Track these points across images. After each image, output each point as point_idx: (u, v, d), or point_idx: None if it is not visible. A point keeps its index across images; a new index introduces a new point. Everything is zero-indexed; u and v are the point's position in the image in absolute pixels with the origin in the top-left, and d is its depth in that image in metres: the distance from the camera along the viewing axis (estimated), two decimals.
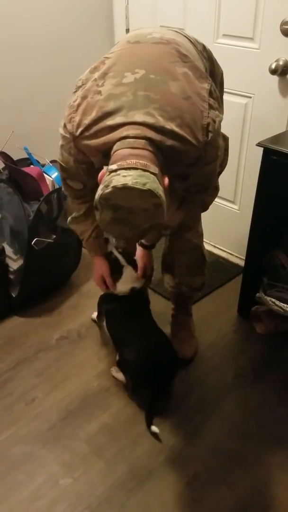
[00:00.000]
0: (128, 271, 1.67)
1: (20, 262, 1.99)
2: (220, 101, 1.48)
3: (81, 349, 1.88)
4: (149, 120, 1.07)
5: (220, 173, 1.67)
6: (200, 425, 1.58)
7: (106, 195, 1.02)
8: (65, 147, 1.22)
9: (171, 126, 1.08)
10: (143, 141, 1.06)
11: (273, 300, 1.81)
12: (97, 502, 1.36)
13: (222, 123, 1.51)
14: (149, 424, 1.53)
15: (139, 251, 1.71)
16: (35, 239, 1.89)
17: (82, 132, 1.14)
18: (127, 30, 2.41)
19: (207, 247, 2.38)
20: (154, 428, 1.52)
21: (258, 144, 1.62)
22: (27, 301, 2.08)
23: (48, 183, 2.07)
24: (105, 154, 1.13)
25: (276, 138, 1.68)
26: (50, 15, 2.22)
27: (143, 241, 1.66)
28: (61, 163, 1.31)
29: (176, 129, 1.08)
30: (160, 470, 1.44)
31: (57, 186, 2.03)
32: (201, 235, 1.74)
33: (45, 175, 2.08)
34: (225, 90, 1.53)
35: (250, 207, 1.79)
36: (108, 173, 1.04)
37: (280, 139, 1.70)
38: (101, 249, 1.63)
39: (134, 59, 1.16)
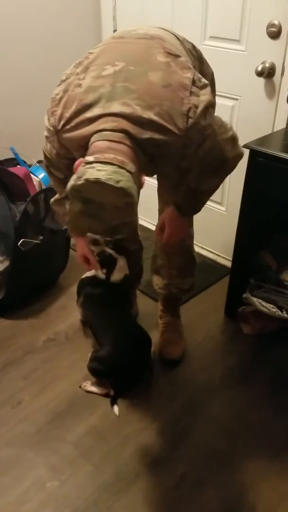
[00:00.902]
0: (121, 261, 1.73)
1: (6, 263, 1.97)
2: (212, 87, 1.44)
3: (69, 351, 1.87)
4: (126, 110, 1.06)
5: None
6: (188, 426, 1.59)
7: (77, 187, 1.00)
8: (49, 139, 1.22)
9: (149, 115, 1.06)
10: (120, 134, 1.05)
11: (260, 300, 1.82)
12: (85, 505, 1.36)
13: None
14: (113, 403, 1.62)
15: (170, 213, 1.52)
16: (22, 240, 1.87)
17: (63, 125, 1.14)
18: (115, 31, 2.40)
19: (195, 248, 2.39)
20: (116, 409, 1.60)
21: (245, 146, 1.63)
22: (14, 302, 2.06)
23: (35, 183, 2.05)
24: (86, 147, 1.11)
25: (262, 140, 1.69)
26: (38, 15, 2.21)
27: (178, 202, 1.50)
28: (45, 152, 1.31)
29: (155, 117, 1.06)
30: (147, 472, 1.44)
31: (44, 187, 2.02)
32: (192, 237, 1.74)
33: (32, 175, 2.07)
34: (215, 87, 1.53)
35: (237, 208, 1.80)
36: (83, 164, 1.02)
37: (267, 140, 1.71)
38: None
39: (116, 53, 1.16)
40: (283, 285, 1.84)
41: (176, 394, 1.69)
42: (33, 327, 1.99)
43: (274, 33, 1.76)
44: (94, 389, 1.69)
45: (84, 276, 1.84)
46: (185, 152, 1.15)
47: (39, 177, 2.07)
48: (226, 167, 1.36)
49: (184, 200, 1.45)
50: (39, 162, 2.07)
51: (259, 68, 1.81)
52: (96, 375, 1.68)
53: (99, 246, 1.72)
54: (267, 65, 1.81)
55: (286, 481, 1.43)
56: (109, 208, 1.00)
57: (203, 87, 1.15)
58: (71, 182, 1.01)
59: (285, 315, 1.77)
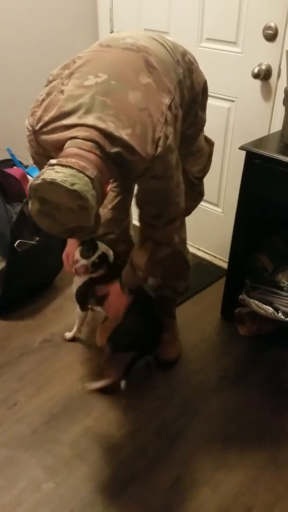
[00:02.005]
0: (109, 251, 1.64)
1: (3, 264, 1.97)
2: (202, 113, 1.47)
3: (65, 353, 1.87)
4: (100, 124, 1.09)
5: (202, 177, 1.68)
6: (183, 427, 1.59)
7: (34, 186, 1.03)
8: (28, 138, 1.25)
9: (120, 133, 1.10)
10: (90, 143, 1.08)
11: (256, 302, 1.82)
12: (80, 507, 1.35)
13: (205, 128, 1.53)
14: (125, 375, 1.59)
15: (115, 292, 1.59)
16: (18, 241, 1.87)
17: (41, 127, 1.17)
18: (111, 33, 2.41)
19: (191, 249, 2.39)
20: (123, 384, 1.57)
21: (241, 148, 1.64)
22: (10, 303, 2.06)
23: None
24: (62, 150, 1.15)
25: (258, 142, 1.70)
26: (35, 16, 2.21)
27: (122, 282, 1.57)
28: (28, 150, 1.34)
29: (125, 137, 1.10)
30: (143, 474, 1.44)
31: None
32: (184, 241, 1.74)
33: (28, 176, 2.06)
34: (208, 93, 1.53)
35: (234, 210, 1.81)
36: (47, 166, 1.06)
37: (263, 142, 1.72)
38: None
39: (100, 62, 1.18)
40: (279, 286, 1.85)
41: (172, 395, 1.69)
42: (29, 328, 1.99)
43: (271, 36, 1.77)
44: (99, 384, 1.63)
45: (78, 285, 1.72)
46: (143, 174, 1.19)
47: None
48: (157, 235, 1.40)
49: (124, 274, 1.53)
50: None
51: (256, 70, 1.82)
52: (120, 349, 1.64)
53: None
54: (263, 67, 1.82)
55: (282, 482, 1.43)
56: (64, 210, 1.04)
57: (176, 116, 1.20)
58: (30, 181, 1.05)
59: (281, 316, 1.78)
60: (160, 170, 1.19)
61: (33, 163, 1.45)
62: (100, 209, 1.66)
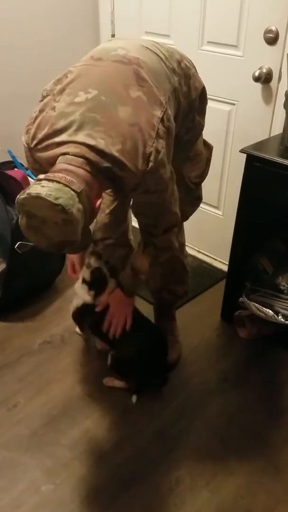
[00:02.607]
0: (111, 283, 1.60)
1: (3, 265, 1.97)
2: (201, 118, 1.48)
3: (65, 354, 1.87)
4: (90, 142, 1.10)
5: (200, 182, 1.67)
6: (183, 429, 1.59)
7: (21, 200, 1.05)
8: (25, 154, 1.27)
9: (110, 150, 1.10)
10: (81, 159, 1.10)
11: (256, 305, 1.82)
12: (79, 509, 1.35)
13: (205, 131, 1.54)
14: (134, 392, 1.66)
15: (115, 295, 1.60)
16: (18, 243, 1.87)
17: (35, 145, 1.19)
18: (113, 35, 2.42)
19: (191, 252, 2.39)
20: (134, 398, 1.64)
21: (242, 151, 1.64)
22: (10, 305, 2.06)
23: None
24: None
25: (259, 145, 1.70)
26: (36, 18, 2.22)
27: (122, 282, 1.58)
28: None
29: (116, 154, 1.11)
30: (142, 476, 1.44)
31: None
32: (181, 245, 1.74)
33: (29, 178, 2.06)
34: (209, 96, 1.54)
35: (234, 212, 1.81)
36: (35, 181, 1.08)
37: (263, 145, 1.72)
38: None
39: (90, 78, 1.19)
40: (279, 289, 1.85)
41: (171, 398, 1.69)
42: (29, 329, 1.99)
43: (271, 39, 1.77)
44: (117, 383, 1.69)
45: (75, 306, 1.72)
46: (135, 189, 1.20)
47: None
48: (158, 242, 1.42)
49: (126, 278, 1.55)
50: None
51: (256, 74, 1.82)
52: (121, 374, 1.68)
53: (98, 261, 1.60)
54: (264, 70, 1.82)
55: (282, 484, 1.43)
56: (50, 224, 1.05)
57: (168, 129, 1.20)
58: (17, 196, 1.07)
59: (281, 319, 1.78)
60: (152, 185, 1.20)
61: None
62: (98, 213, 1.68)
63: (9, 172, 2.01)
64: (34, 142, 1.18)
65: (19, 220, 1.09)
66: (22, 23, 2.18)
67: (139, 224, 1.42)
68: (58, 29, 2.32)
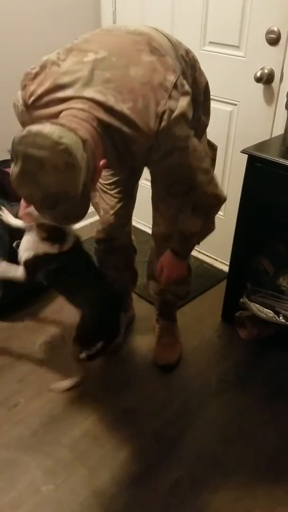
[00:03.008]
0: (67, 228, 1.57)
1: None
2: (206, 117, 1.45)
3: (65, 354, 1.86)
4: (99, 97, 1.03)
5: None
6: (183, 430, 1.58)
7: (18, 139, 0.96)
8: (19, 115, 1.20)
9: (121, 107, 1.03)
10: (87, 113, 1.02)
11: (257, 305, 1.82)
12: (79, 509, 1.35)
13: (208, 130, 1.53)
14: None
15: (168, 257, 1.53)
16: (16, 241, 1.87)
17: (33, 102, 1.11)
18: None
19: (191, 252, 2.39)
20: (83, 355, 1.53)
21: (243, 151, 1.64)
22: (10, 305, 2.06)
23: None
24: None
25: (260, 145, 1.70)
26: (38, 19, 2.22)
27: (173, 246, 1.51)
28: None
29: (127, 111, 1.03)
30: (142, 476, 1.44)
31: None
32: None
33: None
34: (210, 96, 1.54)
35: (235, 213, 1.81)
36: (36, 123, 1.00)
37: (265, 146, 1.72)
38: None
39: (101, 42, 1.13)
40: (280, 290, 1.84)
41: (172, 398, 1.69)
42: (29, 329, 1.99)
43: (273, 40, 1.77)
44: (65, 384, 1.61)
45: (26, 257, 1.64)
46: (150, 156, 1.12)
47: None
48: (203, 201, 1.32)
49: (177, 245, 1.46)
50: None
51: (258, 74, 1.82)
52: (87, 340, 1.59)
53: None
54: (266, 71, 1.82)
55: (282, 486, 1.43)
56: (48, 168, 0.94)
57: (185, 94, 1.12)
58: (14, 137, 0.98)
59: (282, 320, 1.78)
60: (168, 144, 1.11)
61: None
62: (102, 214, 1.67)
63: (8, 170, 2.00)
64: (33, 98, 1.10)
65: (12, 169, 0.98)
66: (23, 23, 2.17)
67: (175, 196, 1.31)
68: (59, 30, 2.32)
